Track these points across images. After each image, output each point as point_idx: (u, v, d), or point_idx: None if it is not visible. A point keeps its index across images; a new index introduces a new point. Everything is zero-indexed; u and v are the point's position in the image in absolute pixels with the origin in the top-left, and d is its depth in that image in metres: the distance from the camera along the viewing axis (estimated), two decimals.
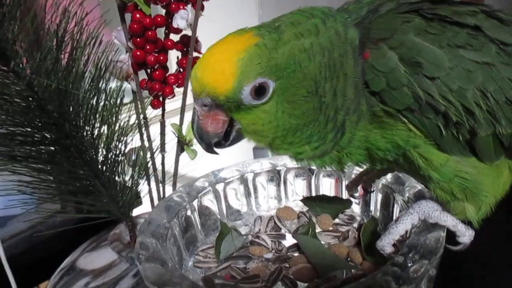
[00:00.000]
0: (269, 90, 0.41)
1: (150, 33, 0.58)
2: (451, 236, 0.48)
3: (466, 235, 0.48)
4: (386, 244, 0.48)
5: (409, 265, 0.43)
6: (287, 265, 0.56)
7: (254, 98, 0.41)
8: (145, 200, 0.76)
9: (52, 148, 0.53)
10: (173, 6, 0.59)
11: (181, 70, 0.64)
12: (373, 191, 0.63)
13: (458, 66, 0.40)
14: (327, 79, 0.42)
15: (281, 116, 0.42)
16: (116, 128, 0.57)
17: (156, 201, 0.71)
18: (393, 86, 0.40)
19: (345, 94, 0.42)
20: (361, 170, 0.64)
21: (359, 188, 0.63)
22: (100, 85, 0.54)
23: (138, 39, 0.58)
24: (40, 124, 0.53)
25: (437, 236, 0.46)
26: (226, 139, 0.45)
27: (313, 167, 0.69)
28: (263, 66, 0.40)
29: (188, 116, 0.68)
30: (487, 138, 0.43)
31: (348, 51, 0.42)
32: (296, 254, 0.58)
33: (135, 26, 0.57)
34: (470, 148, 0.43)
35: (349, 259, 0.56)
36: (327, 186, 0.71)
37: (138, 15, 0.57)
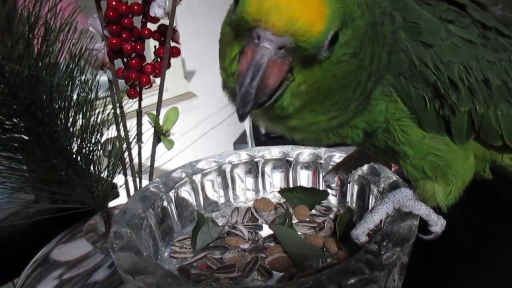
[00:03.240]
0: (336, 43, 0.36)
1: (126, 20, 0.57)
2: (423, 226, 0.49)
3: (438, 225, 0.49)
4: (360, 233, 0.49)
5: (382, 252, 0.43)
6: (263, 255, 0.56)
7: (326, 49, 0.35)
8: (122, 192, 0.75)
9: (24, 136, 0.52)
10: None
11: (158, 59, 0.64)
12: (349, 182, 0.64)
13: (448, 39, 0.42)
14: (370, 40, 0.39)
15: (328, 76, 0.37)
16: (91, 117, 0.56)
17: (132, 193, 0.70)
18: (394, 50, 0.41)
19: (380, 60, 0.40)
20: (337, 162, 0.65)
21: (336, 179, 0.64)
22: (74, 73, 0.53)
23: (114, 27, 0.57)
24: (11, 111, 0.51)
25: (410, 224, 0.47)
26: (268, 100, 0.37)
27: (292, 156, 0.70)
28: (342, 12, 0.35)
29: (165, 108, 0.68)
30: (463, 116, 0.45)
31: (386, 12, 0.41)
32: (272, 245, 0.58)
33: (111, 13, 0.56)
34: (446, 127, 0.45)
35: (324, 249, 0.56)
36: (304, 178, 0.71)
37: (114, 2, 0.57)
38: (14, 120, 0.51)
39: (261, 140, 1.65)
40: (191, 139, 1.89)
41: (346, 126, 0.44)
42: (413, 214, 0.48)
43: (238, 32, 0.36)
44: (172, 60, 0.64)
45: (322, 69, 0.37)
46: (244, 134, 1.71)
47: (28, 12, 0.49)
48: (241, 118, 0.36)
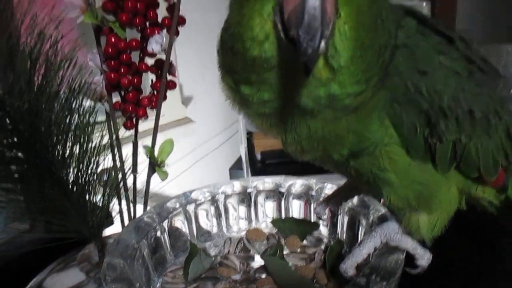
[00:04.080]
0: None
1: (124, 56, 0.59)
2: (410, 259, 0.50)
3: (424, 258, 0.50)
4: (349, 266, 0.50)
5: (370, 285, 0.44)
6: (255, 287, 0.57)
7: None
8: (116, 220, 0.76)
9: (22, 167, 0.53)
10: (148, 30, 0.61)
11: (155, 92, 0.66)
12: (340, 214, 0.65)
13: (440, 69, 0.44)
14: (381, 25, 0.39)
15: (363, 18, 0.36)
16: (88, 148, 0.58)
17: (126, 221, 0.71)
18: (391, 72, 0.42)
19: (385, 53, 0.40)
20: (328, 194, 0.67)
21: (327, 210, 0.65)
22: (73, 106, 0.55)
23: (113, 62, 0.59)
24: (10, 143, 0.53)
25: (396, 258, 0.48)
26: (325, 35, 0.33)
27: (284, 187, 0.71)
28: None
29: (160, 138, 0.70)
30: (448, 145, 0.46)
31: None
32: (263, 276, 0.59)
33: (110, 49, 0.58)
34: (430, 155, 0.46)
35: (315, 280, 0.57)
36: (296, 208, 0.72)
37: (113, 39, 0.59)
38: (14, 151, 0.52)
39: (257, 166, 1.67)
40: (187, 164, 1.90)
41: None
42: (400, 248, 0.49)
43: None
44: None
45: (359, 6, 0.35)
46: (240, 160, 1.73)
47: (30, 49, 0.51)
48: (310, 60, 0.33)
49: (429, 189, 0.48)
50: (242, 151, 1.62)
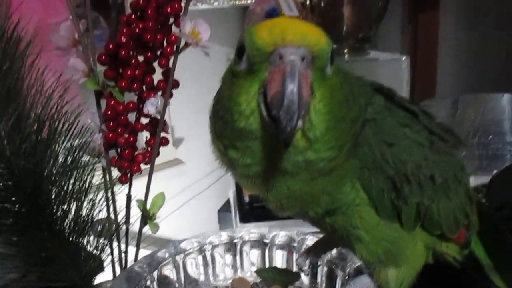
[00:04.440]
0: (333, 62, 0.41)
1: (122, 118, 0.65)
2: None
3: None
4: None
5: None
6: None
7: (330, 65, 0.40)
8: (108, 268, 0.79)
9: (25, 221, 0.57)
10: (145, 94, 0.67)
11: (149, 148, 0.71)
12: (320, 265, 0.69)
13: (404, 141, 0.50)
14: (352, 98, 0.45)
15: (336, 94, 0.42)
16: (84, 203, 0.63)
17: (118, 270, 0.74)
18: (361, 143, 0.47)
19: (358, 122, 0.47)
20: (310, 245, 0.71)
21: (307, 262, 0.69)
22: (73, 164, 0.60)
23: (111, 123, 0.65)
24: (14, 199, 0.57)
25: None
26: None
27: (268, 238, 0.75)
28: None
29: (153, 191, 0.74)
30: (412, 207, 0.51)
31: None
32: None
33: (109, 112, 0.64)
34: (397, 215, 0.51)
35: None
36: (279, 257, 0.76)
37: (112, 102, 0.65)
38: (17, 207, 0.57)
39: (245, 209, 1.70)
40: (177, 204, 1.93)
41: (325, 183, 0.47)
42: None
43: (251, 70, 0.40)
44: None
45: (331, 86, 0.41)
46: (228, 202, 1.76)
47: (37, 114, 0.56)
48: (288, 137, 0.37)
49: (396, 246, 0.53)
50: (231, 195, 1.66)
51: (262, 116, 0.40)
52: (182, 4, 0.65)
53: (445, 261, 0.61)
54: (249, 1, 1.94)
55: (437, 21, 2.19)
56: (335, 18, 1.51)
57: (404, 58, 1.52)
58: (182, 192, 2.03)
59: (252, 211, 1.69)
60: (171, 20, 0.65)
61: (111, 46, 0.62)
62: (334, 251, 0.68)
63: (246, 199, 1.71)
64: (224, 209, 1.82)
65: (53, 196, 0.59)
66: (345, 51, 1.57)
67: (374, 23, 1.54)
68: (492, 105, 1.83)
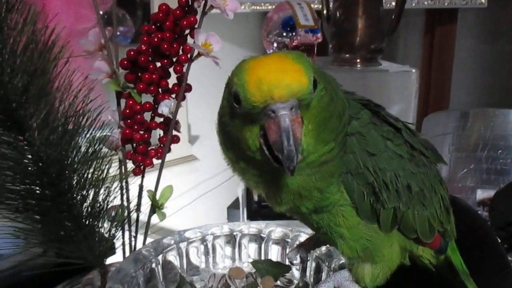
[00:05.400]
0: (317, 86, 0.47)
1: (138, 116, 0.73)
2: None
3: None
4: None
5: None
6: None
7: (313, 92, 0.47)
8: (118, 250, 0.87)
9: (48, 203, 0.65)
10: (160, 96, 0.75)
11: (161, 145, 0.79)
12: (308, 260, 0.76)
13: (386, 152, 0.56)
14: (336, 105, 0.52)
15: (320, 109, 0.48)
16: (101, 190, 0.70)
17: (127, 253, 0.82)
18: (346, 151, 0.54)
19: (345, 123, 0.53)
20: (301, 241, 0.78)
21: (297, 256, 0.76)
22: (93, 155, 0.68)
23: (129, 121, 0.72)
24: (41, 183, 0.65)
25: None
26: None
27: (265, 233, 0.82)
28: (312, 70, 0.47)
29: (165, 173, 0.82)
30: (389, 211, 0.58)
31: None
32: None
33: (127, 111, 0.72)
34: (376, 217, 0.58)
35: None
36: (275, 252, 0.83)
37: (131, 102, 0.72)
38: (43, 190, 0.65)
39: (253, 207, 1.77)
40: (189, 199, 2.02)
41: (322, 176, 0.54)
42: None
43: (249, 118, 0.47)
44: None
45: (315, 106, 0.47)
46: (237, 200, 1.84)
47: (64, 111, 0.64)
48: (292, 172, 0.45)
49: (374, 245, 0.59)
50: (240, 193, 1.73)
51: (265, 153, 0.48)
52: (198, 17, 0.72)
53: (422, 264, 0.67)
54: (268, 7, 2.00)
55: (454, 34, 2.22)
56: (349, 28, 1.57)
57: (413, 70, 1.57)
58: (195, 187, 2.11)
59: (259, 210, 1.76)
60: (187, 31, 0.72)
61: (132, 53, 0.70)
62: (322, 248, 0.75)
63: (255, 198, 1.79)
64: (233, 206, 1.90)
65: (74, 183, 0.67)
66: (358, 61, 1.62)
67: (387, 35, 1.59)
68: (502, 120, 1.86)
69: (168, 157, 0.80)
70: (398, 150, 0.58)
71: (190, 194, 2.04)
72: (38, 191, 0.65)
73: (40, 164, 0.64)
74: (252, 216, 1.74)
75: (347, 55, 1.61)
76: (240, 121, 0.49)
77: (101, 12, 0.73)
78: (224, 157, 0.57)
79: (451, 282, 0.71)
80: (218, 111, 0.55)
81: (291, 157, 0.44)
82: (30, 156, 0.63)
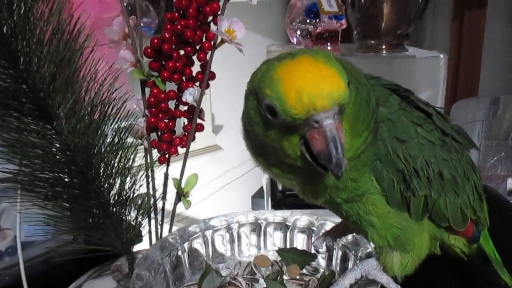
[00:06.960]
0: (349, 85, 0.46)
1: (163, 105, 0.73)
2: None
3: None
4: None
5: None
6: None
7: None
8: (145, 238, 0.88)
9: (76, 191, 0.66)
10: (184, 84, 0.75)
11: (186, 133, 0.79)
12: (335, 248, 0.75)
13: (416, 139, 0.55)
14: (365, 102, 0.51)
15: (353, 107, 0.48)
16: (128, 178, 0.71)
17: (154, 240, 0.83)
18: (377, 139, 0.53)
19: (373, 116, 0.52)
20: (327, 229, 0.77)
21: (323, 245, 0.75)
22: (119, 144, 0.69)
23: (154, 109, 0.73)
24: (69, 171, 0.66)
25: None
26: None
27: (290, 221, 0.82)
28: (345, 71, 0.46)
29: (190, 163, 0.82)
30: (420, 199, 0.56)
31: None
32: None
33: (152, 99, 0.72)
34: (406, 205, 0.56)
35: None
36: (300, 240, 0.82)
37: (155, 90, 0.72)
38: (71, 178, 0.66)
39: (277, 196, 1.77)
40: (213, 189, 2.03)
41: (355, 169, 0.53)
42: (376, 281, 0.59)
43: (287, 128, 0.45)
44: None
45: (349, 106, 0.46)
46: (262, 189, 1.84)
47: (92, 98, 0.65)
48: (340, 177, 0.45)
49: (404, 233, 0.58)
50: (264, 182, 1.73)
51: (307, 160, 0.47)
52: (220, 4, 0.71)
53: (453, 253, 0.66)
54: None
55: (483, 18, 2.14)
56: (375, 14, 1.53)
57: (442, 56, 1.52)
58: (219, 177, 2.12)
59: (284, 199, 1.76)
60: (210, 18, 0.72)
61: (156, 41, 0.70)
62: (349, 237, 0.74)
63: (279, 187, 1.78)
64: (258, 195, 1.90)
65: (101, 171, 0.68)
66: (383, 47, 1.58)
67: (413, 20, 1.55)
68: None
69: (193, 146, 0.80)
70: (429, 136, 0.56)
71: (215, 183, 2.05)
72: (66, 179, 0.66)
73: (68, 153, 0.65)
74: (277, 205, 1.74)
75: (373, 41, 1.57)
76: (276, 132, 0.47)
77: (124, 4, 0.73)
78: (253, 161, 0.57)
79: (482, 271, 0.69)
80: (241, 117, 0.55)
81: (340, 165, 0.44)
82: (58, 145, 0.64)
